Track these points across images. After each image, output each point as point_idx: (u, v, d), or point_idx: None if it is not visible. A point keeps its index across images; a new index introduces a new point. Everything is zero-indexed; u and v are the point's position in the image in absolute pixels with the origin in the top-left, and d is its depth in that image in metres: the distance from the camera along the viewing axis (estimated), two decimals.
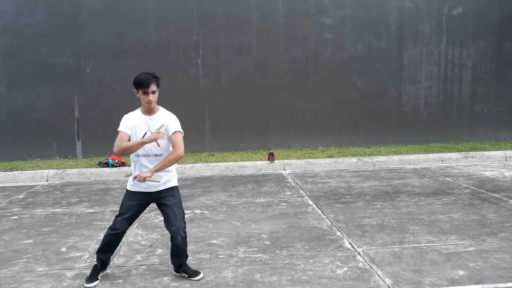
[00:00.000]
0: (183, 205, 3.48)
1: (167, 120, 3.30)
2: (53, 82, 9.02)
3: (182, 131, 3.33)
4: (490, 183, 6.50)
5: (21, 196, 6.50)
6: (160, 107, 3.40)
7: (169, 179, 3.39)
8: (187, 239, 3.43)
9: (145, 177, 3.19)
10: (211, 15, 9.22)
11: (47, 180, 7.60)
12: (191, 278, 3.39)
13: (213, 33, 9.28)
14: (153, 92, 3.22)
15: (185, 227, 3.39)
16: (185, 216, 3.52)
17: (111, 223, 3.44)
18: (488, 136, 10.00)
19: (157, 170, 3.22)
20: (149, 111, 3.32)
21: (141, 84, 3.19)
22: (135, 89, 3.26)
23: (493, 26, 9.81)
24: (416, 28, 9.66)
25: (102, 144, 9.04)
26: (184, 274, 3.43)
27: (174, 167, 3.41)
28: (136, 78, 3.22)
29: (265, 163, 8.04)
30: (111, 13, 9.03)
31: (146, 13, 9.09)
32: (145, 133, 3.29)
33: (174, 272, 3.50)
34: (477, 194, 5.83)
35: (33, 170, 7.88)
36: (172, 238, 3.36)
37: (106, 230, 3.47)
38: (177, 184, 3.49)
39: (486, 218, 4.79)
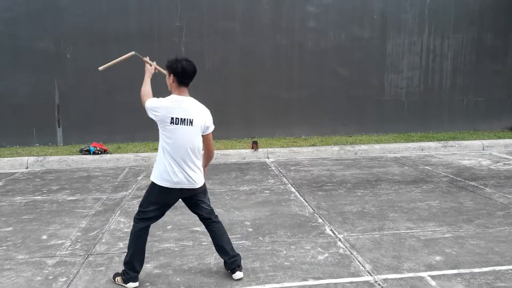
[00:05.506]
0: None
1: None
2: (32, 68, 8.79)
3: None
4: (467, 171, 6.67)
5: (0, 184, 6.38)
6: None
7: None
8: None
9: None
10: (195, 0, 9.10)
11: (27, 168, 7.47)
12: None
13: (197, 20, 9.16)
14: None
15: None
16: None
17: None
18: (467, 126, 10.20)
19: None
20: None
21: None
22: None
23: (474, 17, 9.94)
24: (399, 17, 9.71)
25: (84, 131, 8.94)
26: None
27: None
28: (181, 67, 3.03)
29: (249, 151, 8.06)
30: None
31: None
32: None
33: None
34: (455, 182, 5.98)
35: (12, 157, 7.73)
36: None
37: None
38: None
39: (463, 205, 4.93)
